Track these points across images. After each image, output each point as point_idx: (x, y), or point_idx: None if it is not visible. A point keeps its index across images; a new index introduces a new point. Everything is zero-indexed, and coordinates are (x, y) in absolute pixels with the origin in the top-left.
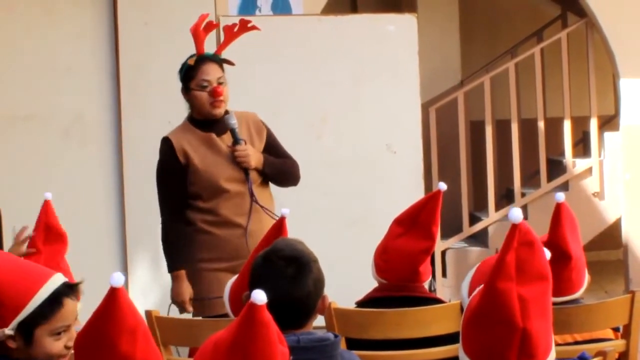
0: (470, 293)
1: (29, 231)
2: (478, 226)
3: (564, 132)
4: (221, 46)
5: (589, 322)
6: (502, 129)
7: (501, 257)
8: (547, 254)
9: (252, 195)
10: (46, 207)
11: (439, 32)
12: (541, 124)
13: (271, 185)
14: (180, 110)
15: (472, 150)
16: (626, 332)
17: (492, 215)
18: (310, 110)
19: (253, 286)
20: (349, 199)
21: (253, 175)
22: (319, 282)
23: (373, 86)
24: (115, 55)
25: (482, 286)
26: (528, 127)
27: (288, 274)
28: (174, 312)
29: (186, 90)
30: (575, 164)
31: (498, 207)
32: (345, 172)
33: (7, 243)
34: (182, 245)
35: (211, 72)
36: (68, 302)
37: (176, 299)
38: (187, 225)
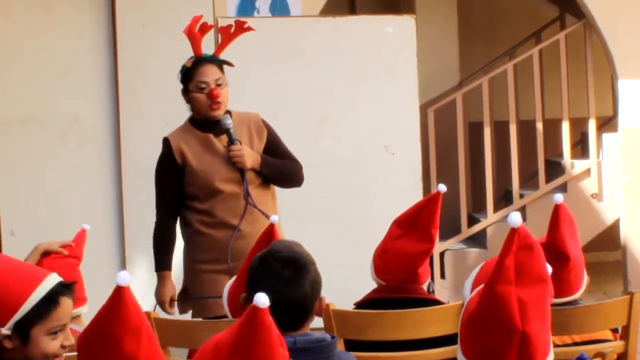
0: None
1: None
2: (476, 227)
3: (563, 133)
4: (219, 48)
5: (587, 323)
6: (500, 130)
7: (500, 260)
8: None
9: (246, 196)
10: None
11: (438, 33)
12: (539, 125)
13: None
14: (178, 112)
15: (470, 151)
16: (625, 333)
17: (491, 217)
18: (308, 112)
19: (250, 288)
20: (347, 200)
21: (250, 176)
22: (316, 284)
23: (371, 87)
24: (114, 57)
25: (479, 288)
26: (526, 129)
27: (285, 276)
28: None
29: (186, 92)
30: (573, 165)
31: (496, 209)
32: (343, 173)
33: (6, 244)
34: (170, 245)
35: (209, 73)
36: (64, 301)
37: (157, 299)
38: (185, 226)
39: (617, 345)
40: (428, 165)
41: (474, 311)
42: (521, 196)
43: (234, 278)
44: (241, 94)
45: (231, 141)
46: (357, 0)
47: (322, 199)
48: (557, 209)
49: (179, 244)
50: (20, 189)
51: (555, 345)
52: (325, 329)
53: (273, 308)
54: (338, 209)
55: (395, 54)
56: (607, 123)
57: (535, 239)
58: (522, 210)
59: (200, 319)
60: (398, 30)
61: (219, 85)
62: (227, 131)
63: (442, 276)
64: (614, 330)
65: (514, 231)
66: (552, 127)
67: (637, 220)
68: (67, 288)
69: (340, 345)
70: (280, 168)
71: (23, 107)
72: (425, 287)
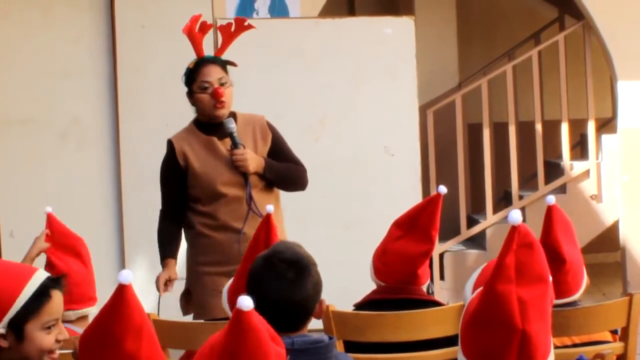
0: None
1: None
2: (476, 229)
3: (562, 134)
4: (221, 48)
5: (587, 324)
6: (499, 131)
7: (500, 259)
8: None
9: (249, 200)
10: (50, 221)
11: (437, 34)
12: (539, 127)
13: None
14: (178, 112)
15: (469, 152)
16: (624, 335)
17: (490, 218)
18: (308, 112)
19: (252, 288)
20: (346, 201)
21: (253, 179)
22: (318, 286)
23: (371, 88)
24: (113, 58)
25: (481, 288)
26: (526, 130)
27: (288, 276)
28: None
29: (190, 94)
30: (572, 167)
31: (496, 210)
32: (343, 174)
33: (5, 245)
34: (172, 238)
35: (212, 73)
36: (55, 294)
37: (156, 282)
38: (188, 228)
39: (617, 346)
40: (427, 166)
41: (475, 310)
42: (520, 197)
43: (230, 280)
44: (241, 95)
45: (235, 145)
46: (356, 1)
47: (322, 200)
48: (550, 211)
49: (183, 245)
50: (20, 190)
51: (555, 347)
52: (325, 330)
53: (275, 308)
54: (338, 210)
55: (395, 55)
56: (607, 124)
57: (535, 237)
58: (522, 211)
59: (201, 321)
60: (397, 32)
61: (222, 84)
62: (230, 135)
63: (442, 277)
64: (614, 332)
65: (514, 229)
66: (552, 129)
67: (637, 222)
68: (56, 282)
69: (339, 347)
70: (284, 172)
71: (23, 108)
72: (424, 288)
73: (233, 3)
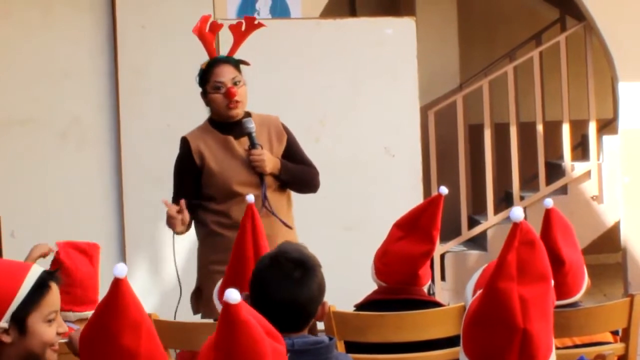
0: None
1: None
2: (477, 229)
3: (563, 135)
4: (233, 47)
5: (588, 325)
6: (500, 132)
7: (502, 256)
8: None
9: (264, 200)
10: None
11: (438, 35)
12: (540, 128)
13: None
14: (178, 112)
15: (470, 153)
16: (625, 336)
17: (491, 219)
18: (308, 113)
19: (257, 287)
20: (347, 202)
21: (268, 180)
22: (322, 288)
23: (371, 89)
24: (114, 58)
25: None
26: (527, 131)
27: (294, 276)
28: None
29: (204, 94)
30: (574, 168)
31: (497, 211)
32: (343, 175)
33: (6, 246)
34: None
35: (225, 73)
36: (54, 285)
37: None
38: (201, 226)
39: (618, 347)
40: (428, 167)
41: (476, 309)
42: (521, 198)
43: (220, 281)
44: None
45: (253, 145)
46: (358, 2)
47: (323, 200)
48: (548, 214)
49: (194, 244)
50: (21, 190)
51: (556, 348)
52: (326, 331)
53: (278, 307)
54: (338, 210)
55: (396, 55)
56: (608, 125)
57: (537, 235)
58: (523, 212)
59: (200, 321)
60: (398, 32)
61: (235, 84)
62: (249, 135)
63: (443, 278)
64: (615, 333)
65: (516, 226)
66: (553, 130)
67: (638, 223)
68: (53, 274)
69: (340, 347)
70: (299, 174)
71: (23, 108)
72: (425, 289)
73: (234, 4)
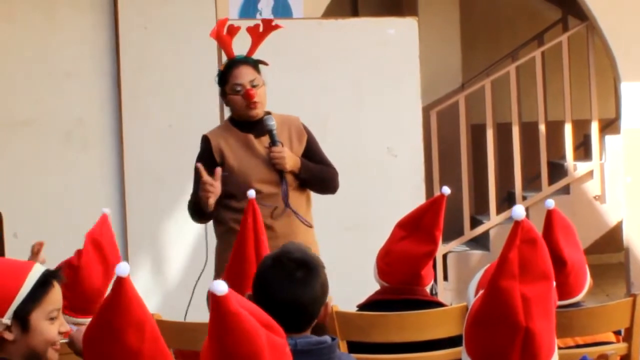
0: (476, 295)
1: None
2: (479, 229)
3: (565, 135)
4: (251, 48)
5: (590, 325)
6: (503, 132)
7: (504, 254)
8: None
9: (284, 198)
10: (101, 223)
11: (440, 35)
12: (542, 127)
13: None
14: (181, 113)
15: (473, 153)
16: (628, 336)
17: (494, 219)
18: (311, 114)
19: (260, 287)
20: (349, 202)
21: (288, 178)
22: (325, 288)
23: (374, 89)
24: (116, 59)
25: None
26: (529, 131)
27: (297, 276)
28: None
29: (223, 94)
30: (576, 167)
31: (499, 211)
32: (346, 175)
33: (9, 247)
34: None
35: (243, 75)
36: (56, 284)
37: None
38: (219, 224)
39: (620, 347)
40: (431, 167)
41: (478, 308)
42: (524, 198)
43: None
44: None
45: (273, 142)
46: (360, 2)
47: (325, 200)
48: (549, 215)
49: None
50: (24, 191)
51: (559, 348)
52: (329, 331)
53: (281, 308)
54: (340, 211)
55: (398, 56)
56: (610, 125)
57: (539, 233)
58: (525, 212)
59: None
60: (400, 32)
61: (254, 86)
62: (270, 132)
63: (445, 278)
64: (617, 333)
65: (517, 224)
66: (555, 129)
67: None
68: (55, 273)
69: (343, 347)
70: (318, 173)
71: (26, 109)
72: (428, 289)
73: (236, 4)
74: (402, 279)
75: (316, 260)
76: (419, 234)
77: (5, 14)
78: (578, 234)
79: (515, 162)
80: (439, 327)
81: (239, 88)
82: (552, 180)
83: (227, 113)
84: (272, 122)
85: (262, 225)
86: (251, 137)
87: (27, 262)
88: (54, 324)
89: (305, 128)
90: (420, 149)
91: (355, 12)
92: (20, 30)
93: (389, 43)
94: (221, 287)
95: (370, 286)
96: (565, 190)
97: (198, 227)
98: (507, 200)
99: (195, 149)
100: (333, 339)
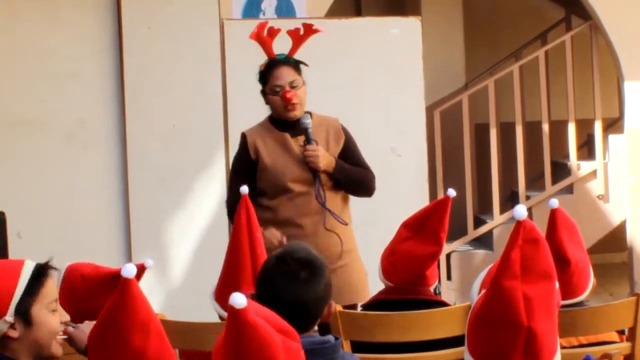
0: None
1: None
2: (483, 229)
3: (569, 134)
4: (292, 49)
5: (594, 324)
6: (506, 131)
7: (506, 254)
8: None
9: (318, 196)
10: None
11: (443, 35)
12: (545, 127)
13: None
14: (184, 113)
15: (476, 153)
16: (631, 335)
17: (497, 218)
18: None
19: (263, 286)
20: (353, 202)
21: (322, 178)
22: (329, 288)
23: (377, 89)
24: (119, 59)
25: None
26: (532, 130)
27: (301, 276)
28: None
29: (263, 94)
30: (579, 167)
31: (503, 210)
32: None
33: (12, 247)
34: None
35: (283, 76)
36: (50, 275)
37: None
38: None
39: (624, 346)
40: (434, 167)
41: (480, 308)
42: (527, 198)
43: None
44: (246, 95)
45: (308, 140)
46: (363, 1)
47: None
48: (553, 214)
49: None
50: (27, 191)
51: (562, 347)
52: (332, 330)
53: (284, 307)
54: None
55: (401, 55)
56: (613, 124)
57: (541, 233)
58: (528, 211)
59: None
60: (404, 32)
61: (294, 87)
62: (305, 130)
63: (449, 278)
64: (621, 332)
65: (519, 224)
66: (558, 129)
67: None
68: (47, 265)
69: (347, 347)
70: (353, 174)
71: (29, 109)
72: (432, 289)
73: (240, 3)
74: (406, 279)
75: (320, 261)
76: (424, 235)
77: (7, 14)
78: (581, 233)
79: (518, 161)
80: (442, 326)
81: (278, 89)
82: (555, 179)
83: (231, 113)
84: (308, 121)
85: (256, 220)
86: (287, 136)
87: (18, 260)
88: (54, 315)
89: (344, 129)
90: (423, 148)
91: (358, 12)
92: (23, 30)
93: (392, 43)
94: (240, 300)
95: (374, 285)
96: (569, 189)
97: (202, 226)
98: (510, 199)
99: (199, 148)
100: (337, 339)
